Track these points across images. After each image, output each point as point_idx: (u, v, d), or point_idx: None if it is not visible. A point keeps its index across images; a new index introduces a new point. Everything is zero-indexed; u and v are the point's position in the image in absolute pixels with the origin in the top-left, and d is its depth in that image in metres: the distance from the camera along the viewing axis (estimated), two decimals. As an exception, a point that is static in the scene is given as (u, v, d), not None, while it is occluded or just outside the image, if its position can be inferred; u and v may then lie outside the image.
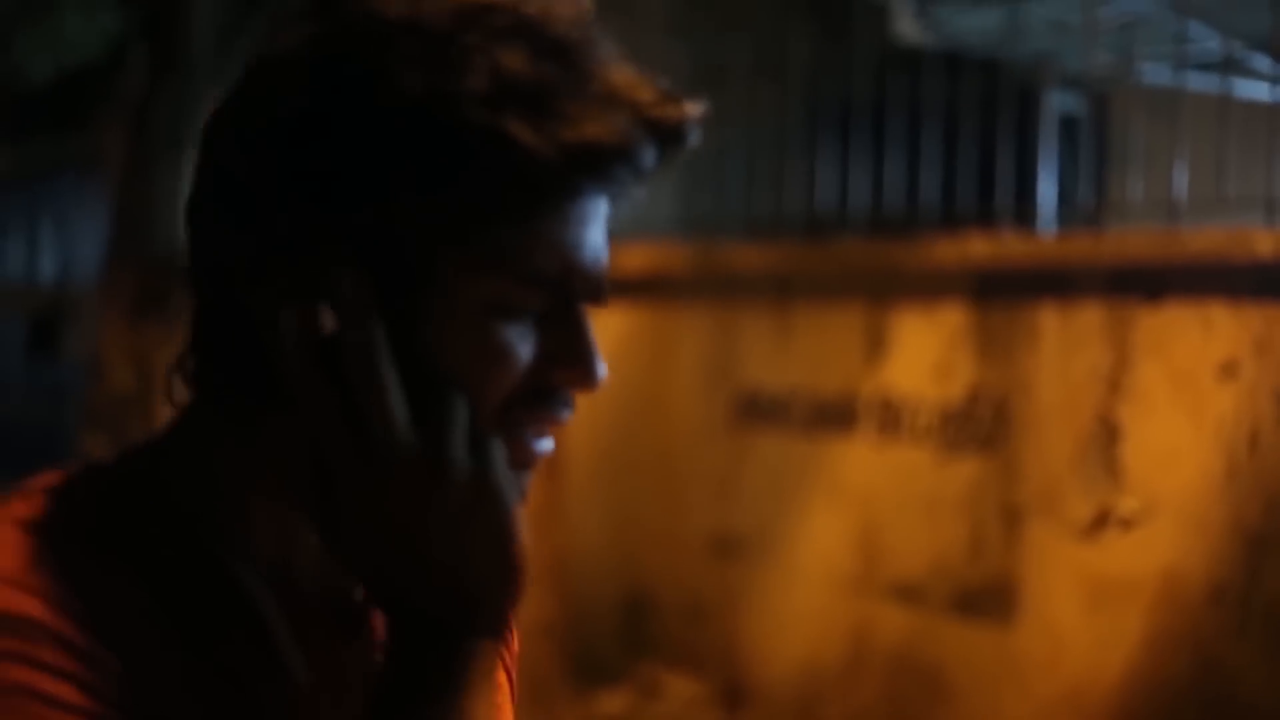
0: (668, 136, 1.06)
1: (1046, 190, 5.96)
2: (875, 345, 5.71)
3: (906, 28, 6.67)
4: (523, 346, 1.06)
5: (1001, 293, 5.35)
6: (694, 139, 1.08)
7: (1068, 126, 6.48)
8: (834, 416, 5.80)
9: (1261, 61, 5.55)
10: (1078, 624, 5.04)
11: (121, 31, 7.24)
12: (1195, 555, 4.78)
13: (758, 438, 6.04)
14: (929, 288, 5.59)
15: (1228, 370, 4.72)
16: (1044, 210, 5.92)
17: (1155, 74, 5.84)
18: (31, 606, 0.99)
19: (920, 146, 6.25)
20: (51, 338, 11.14)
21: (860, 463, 5.69)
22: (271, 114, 1.04)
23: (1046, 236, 5.71)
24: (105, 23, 7.41)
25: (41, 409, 10.00)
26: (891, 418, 5.62)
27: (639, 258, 6.12)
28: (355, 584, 1.12)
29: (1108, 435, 4.98)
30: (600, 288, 1.09)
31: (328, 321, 1.03)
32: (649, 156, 1.05)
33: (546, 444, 1.11)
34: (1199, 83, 5.68)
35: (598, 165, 1.04)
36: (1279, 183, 5.05)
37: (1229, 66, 5.47)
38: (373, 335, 1.02)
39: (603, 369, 1.09)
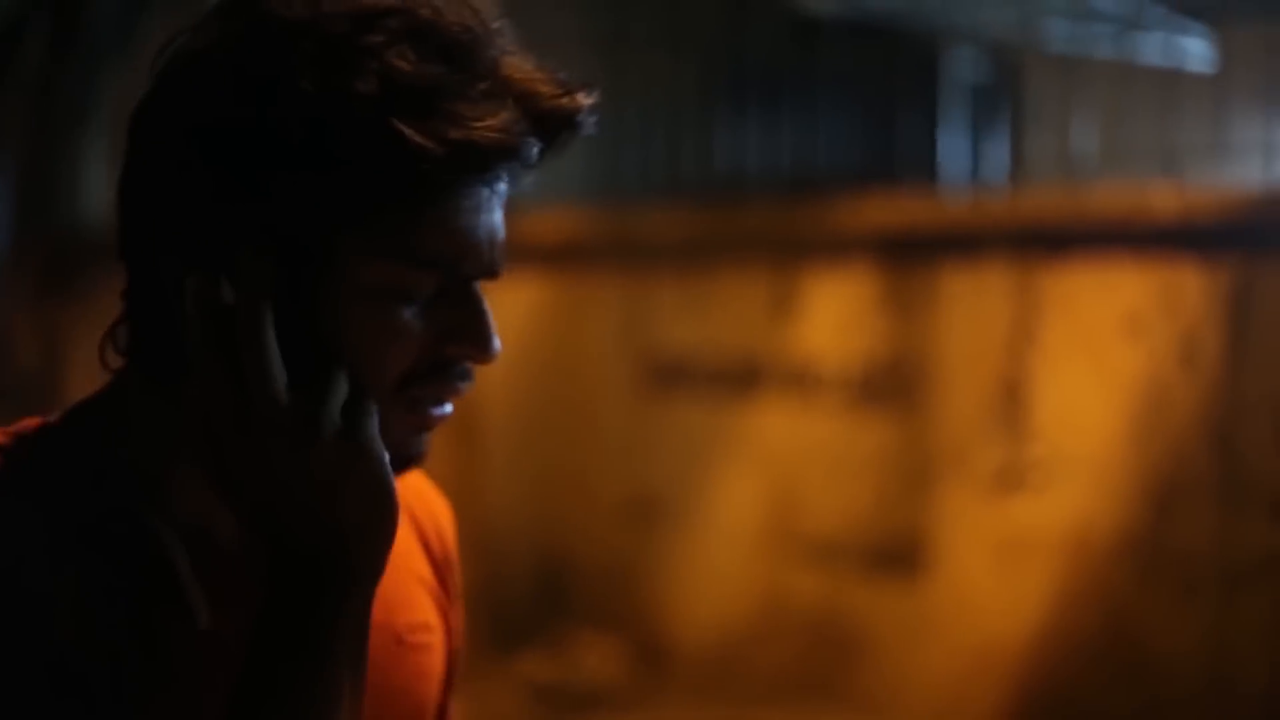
0: (559, 128, 1.15)
1: (951, 153, 6.02)
2: (785, 308, 5.74)
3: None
4: (418, 325, 1.15)
5: (908, 254, 5.40)
6: (589, 128, 1.16)
7: (980, 95, 6.54)
8: (745, 379, 5.83)
9: (1158, 16, 5.62)
10: (988, 580, 5.10)
11: (18, 4, 7.14)
12: (1103, 511, 4.85)
13: (671, 401, 6.07)
14: (837, 250, 5.63)
15: (1134, 326, 4.79)
16: (950, 173, 5.98)
17: (1059, 35, 5.90)
18: None
19: (826, 113, 6.29)
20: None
21: (772, 424, 5.73)
22: (184, 109, 1.14)
23: (952, 198, 5.77)
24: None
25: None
26: (802, 379, 5.66)
27: (549, 225, 6.12)
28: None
29: (1016, 393, 5.05)
30: (494, 266, 1.17)
31: (227, 294, 1.11)
32: (534, 150, 1.14)
33: (444, 409, 1.20)
34: (1105, 47, 5.74)
35: (482, 161, 1.12)
36: (1183, 138, 5.13)
37: (1130, 24, 5.54)
38: (259, 307, 1.10)
39: (497, 342, 1.18)
